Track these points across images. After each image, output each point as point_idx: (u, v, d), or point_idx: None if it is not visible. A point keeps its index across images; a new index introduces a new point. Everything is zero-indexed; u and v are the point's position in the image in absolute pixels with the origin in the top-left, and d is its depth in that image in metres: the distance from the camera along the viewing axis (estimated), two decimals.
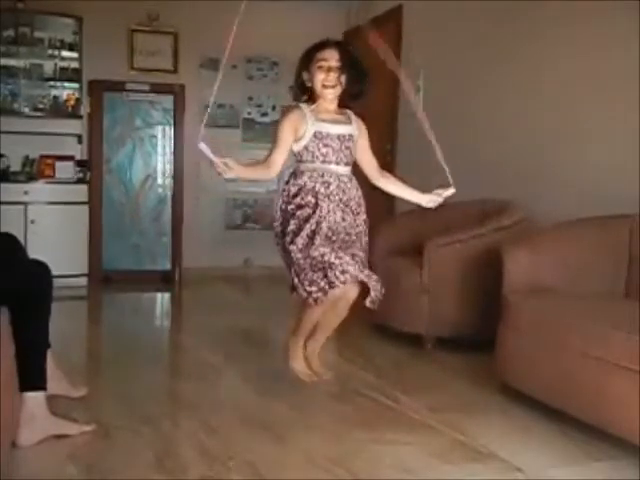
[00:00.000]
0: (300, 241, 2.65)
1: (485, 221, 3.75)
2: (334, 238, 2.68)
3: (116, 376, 3.22)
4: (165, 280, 6.01)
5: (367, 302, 2.72)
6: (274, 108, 6.40)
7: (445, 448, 2.44)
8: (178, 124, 6.14)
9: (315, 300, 2.65)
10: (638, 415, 2.23)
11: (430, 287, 3.71)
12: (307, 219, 2.67)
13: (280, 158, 2.72)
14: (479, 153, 4.49)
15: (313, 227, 2.65)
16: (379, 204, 5.29)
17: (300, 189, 2.72)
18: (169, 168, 6.15)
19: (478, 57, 4.59)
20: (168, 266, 6.09)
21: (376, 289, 2.69)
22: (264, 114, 6.32)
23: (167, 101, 6.12)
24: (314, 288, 2.63)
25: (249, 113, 6.37)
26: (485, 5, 4.46)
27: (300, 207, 2.70)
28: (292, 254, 2.66)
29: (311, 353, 2.94)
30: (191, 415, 2.70)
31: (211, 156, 2.54)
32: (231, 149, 6.24)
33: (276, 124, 2.76)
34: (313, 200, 2.69)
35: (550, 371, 2.65)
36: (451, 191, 2.74)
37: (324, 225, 2.67)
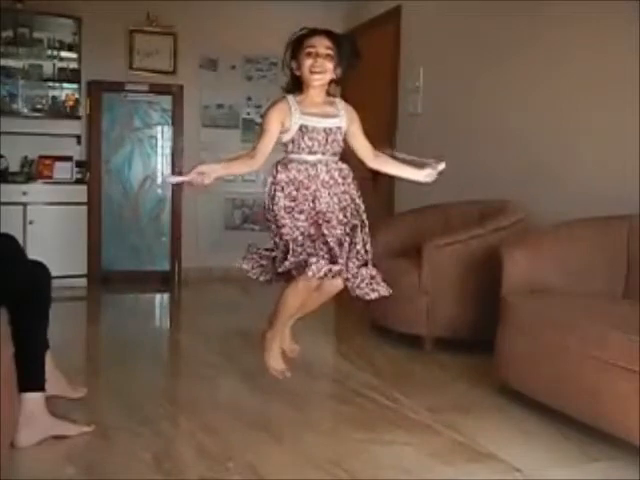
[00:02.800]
0: (289, 222, 2.64)
1: (484, 222, 3.76)
2: (321, 221, 2.65)
3: (115, 377, 3.22)
4: (164, 280, 6.02)
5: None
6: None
7: (444, 449, 2.44)
8: (177, 124, 6.15)
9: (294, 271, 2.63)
10: (637, 415, 2.23)
11: (429, 288, 3.71)
12: (297, 207, 2.66)
13: (265, 148, 2.69)
14: (478, 153, 4.50)
15: (303, 216, 2.64)
16: (379, 204, 5.32)
17: (288, 180, 2.69)
18: (168, 168, 6.17)
19: (477, 57, 4.59)
20: (167, 266, 6.10)
21: (360, 289, 2.70)
22: (263, 115, 6.31)
23: (166, 101, 6.12)
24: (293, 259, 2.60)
25: (248, 113, 6.38)
26: (484, 5, 4.46)
27: (289, 198, 2.68)
28: (283, 229, 2.64)
29: (287, 333, 2.91)
30: (190, 415, 2.70)
31: (183, 178, 2.57)
32: (230, 149, 6.29)
33: (262, 116, 2.74)
34: (299, 192, 2.67)
35: (549, 372, 2.65)
36: (442, 165, 2.72)
37: (311, 212, 2.65)
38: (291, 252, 2.60)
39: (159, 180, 6.16)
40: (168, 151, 6.17)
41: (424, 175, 2.77)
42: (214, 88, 6.27)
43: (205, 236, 6.25)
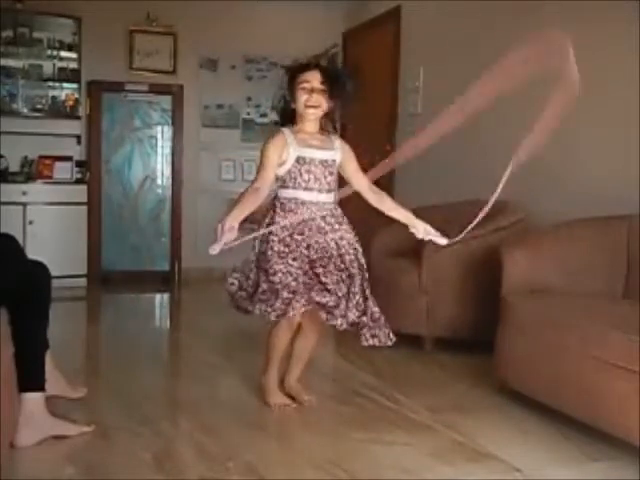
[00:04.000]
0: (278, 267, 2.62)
1: (484, 222, 3.74)
2: (318, 267, 2.64)
3: (115, 377, 3.22)
4: (164, 280, 6.02)
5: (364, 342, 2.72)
6: (274, 108, 6.39)
7: (444, 449, 2.44)
8: (177, 124, 6.15)
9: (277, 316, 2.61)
10: (637, 415, 2.23)
11: (429, 288, 3.71)
12: (291, 254, 2.64)
13: (268, 180, 2.68)
14: (478, 153, 4.49)
15: (297, 263, 2.63)
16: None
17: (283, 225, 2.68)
18: (168, 169, 6.17)
19: (477, 57, 4.58)
20: (167, 267, 6.10)
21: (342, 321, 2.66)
22: (263, 114, 6.31)
23: (166, 101, 6.12)
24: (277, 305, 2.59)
25: (248, 113, 6.38)
26: (484, 5, 4.46)
27: (283, 243, 2.66)
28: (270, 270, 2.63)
29: (293, 386, 2.92)
30: (190, 415, 2.70)
31: (222, 244, 2.50)
32: (230, 149, 6.31)
33: (260, 151, 2.74)
34: (293, 237, 2.66)
35: (549, 372, 2.65)
36: (443, 241, 2.68)
37: (304, 252, 2.64)
38: (280, 300, 2.57)
39: (159, 180, 6.17)
40: (168, 151, 6.17)
41: (418, 225, 2.73)
42: (214, 88, 6.27)
43: (205, 236, 6.20)
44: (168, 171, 6.17)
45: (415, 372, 3.43)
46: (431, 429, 2.63)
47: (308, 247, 2.66)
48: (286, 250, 2.64)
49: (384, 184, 4.95)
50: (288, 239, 2.66)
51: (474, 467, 2.30)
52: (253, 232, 2.73)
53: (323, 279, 2.62)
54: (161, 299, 5.86)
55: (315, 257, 2.66)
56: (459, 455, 2.40)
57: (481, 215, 2.49)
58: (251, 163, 5.87)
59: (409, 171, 4.55)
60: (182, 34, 6.09)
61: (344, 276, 2.67)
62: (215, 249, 2.47)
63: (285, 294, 2.57)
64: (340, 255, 2.70)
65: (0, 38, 5.47)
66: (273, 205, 2.76)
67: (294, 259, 2.63)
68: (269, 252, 2.65)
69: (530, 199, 3.89)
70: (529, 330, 2.80)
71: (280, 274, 2.61)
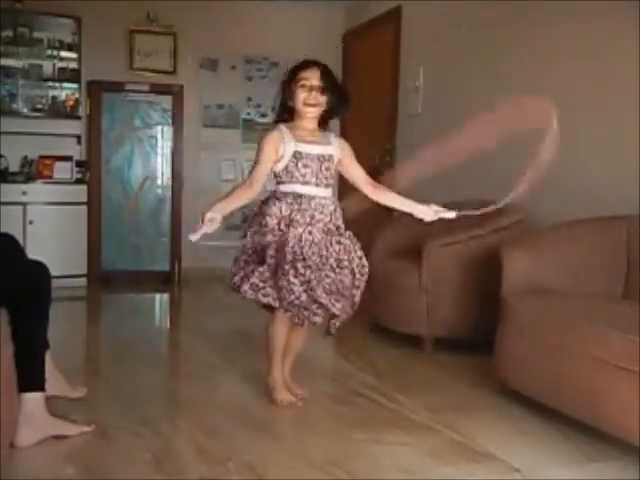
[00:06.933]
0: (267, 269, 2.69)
1: (484, 222, 3.75)
2: (309, 263, 2.67)
3: (115, 377, 3.22)
4: (164, 280, 6.01)
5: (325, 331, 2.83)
6: (273, 109, 6.40)
7: (443, 449, 2.44)
8: (177, 124, 6.15)
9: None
10: (637, 415, 2.23)
11: (429, 288, 3.71)
12: (282, 246, 2.67)
13: (261, 176, 2.71)
14: (478, 154, 4.49)
15: (289, 257, 2.65)
16: (378, 205, 5.31)
17: (277, 218, 2.71)
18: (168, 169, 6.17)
19: (477, 57, 4.59)
20: (167, 266, 6.10)
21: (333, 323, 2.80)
22: (263, 115, 6.31)
23: (166, 101, 6.12)
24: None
25: (248, 113, 6.38)
26: (484, 5, 4.46)
27: (274, 234, 2.70)
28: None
29: (286, 379, 2.94)
30: (190, 416, 2.70)
31: (201, 232, 2.57)
32: (231, 149, 6.31)
33: (257, 146, 2.76)
34: (288, 228, 2.69)
35: (549, 372, 2.65)
36: (451, 214, 2.70)
37: (297, 250, 2.66)
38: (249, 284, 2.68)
39: (159, 180, 6.17)
40: (168, 151, 6.17)
41: (418, 210, 2.76)
42: (214, 88, 6.27)
43: (205, 236, 6.24)
44: (168, 171, 6.17)
45: (415, 372, 3.43)
46: (431, 429, 2.62)
47: (301, 240, 2.69)
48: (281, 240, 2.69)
49: (385, 183, 4.97)
50: (284, 229, 2.70)
51: (474, 467, 2.30)
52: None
53: (312, 277, 2.66)
54: (161, 299, 5.86)
55: (307, 255, 2.67)
56: (459, 455, 2.40)
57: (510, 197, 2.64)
58: (251, 163, 5.85)
59: (409, 171, 4.54)
60: (182, 34, 6.09)
61: (331, 260, 2.71)
62: (194, 237, 2.53)
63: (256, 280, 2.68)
64: (338, 260, 2.73)
65: (0, 38, 5.47)
66: (268, 198, 2.79)
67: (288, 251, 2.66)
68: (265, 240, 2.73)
69: (530, 199, 3.88)
70: (529, 330, 2.80)
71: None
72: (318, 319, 2.74)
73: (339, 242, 2.74)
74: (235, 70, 6.33)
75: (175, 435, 2.54)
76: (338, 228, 2.78)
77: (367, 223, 3.42)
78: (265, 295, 2.68)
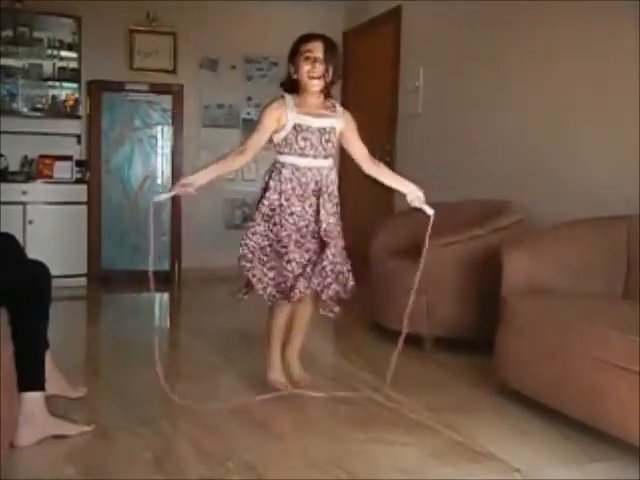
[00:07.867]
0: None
1: (484, 222, 3.75)
2: (303, 233, 2.77)
3: (115, 376, 3.22)
4: (164, 280, 6.01)
5: (321, 310, 2.88)
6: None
7: (443, 448, 2.44)
8: (177, 124, 6.15)
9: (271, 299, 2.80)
10: (637, 415, 2.23)
11: (429, 288, 3.70)
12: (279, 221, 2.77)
13: (256, 144, 2.77)
14: (478, 154, 4.50)
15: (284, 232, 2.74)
16: (378, 204, 5.32)
17: (277, 192, 2.78)
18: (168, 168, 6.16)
19: (477, 57, 4.59)
20: (167, 266, 6.09)
21: (327, 300, 2.84)
22: None
23: (166, 101, 6.12)
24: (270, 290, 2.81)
25: (248, 113, 6.37)
26: (484, 5, 4.46)
27: (273, 209, 2.79)
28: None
29: (291, 359, 3.01)
30: (190, 415, 2.70)
31: (169, 194, 2.66)
32: (231, 149, 6.29)
33: (259, 114, 2.80)
34: (286, 202, 2.76)
35: (549, 372, 2.65)
36: (430, 211, 2.86)
37: (292, 226, 2.75)
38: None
39: (159, 180, 6.17)
40: (168, 151, 6.17)
41: (410, 190, 2.88)
42: (214, 88, 6.27)
43: (205, 236, 6.24)
44: (168, 171, 6.17)
45: (415, 372, 3.42)
46: (431, 429, 2.62)
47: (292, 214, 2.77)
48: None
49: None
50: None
51: (474, 467, 2.30)
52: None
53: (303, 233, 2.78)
54: (161, 299, 5.85)
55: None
56: (459, 455, 2.40)
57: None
58: (251, 163, 5.87)
59: (409, 171, 4.54)
60: (182, 34, 6.09)
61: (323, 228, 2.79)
62: (157, 198, 2.58)
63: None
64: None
65: (0, 38, 5.47)
66: (270, 170, 2.83)
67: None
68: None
69: (530, 199, 3.89)
70: (529, 330, 2.80)
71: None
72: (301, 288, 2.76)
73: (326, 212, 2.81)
74: (235, 70, 6.33)
75: (175, 435, 2.54)
76: (330, 195, 2.83)
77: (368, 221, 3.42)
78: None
